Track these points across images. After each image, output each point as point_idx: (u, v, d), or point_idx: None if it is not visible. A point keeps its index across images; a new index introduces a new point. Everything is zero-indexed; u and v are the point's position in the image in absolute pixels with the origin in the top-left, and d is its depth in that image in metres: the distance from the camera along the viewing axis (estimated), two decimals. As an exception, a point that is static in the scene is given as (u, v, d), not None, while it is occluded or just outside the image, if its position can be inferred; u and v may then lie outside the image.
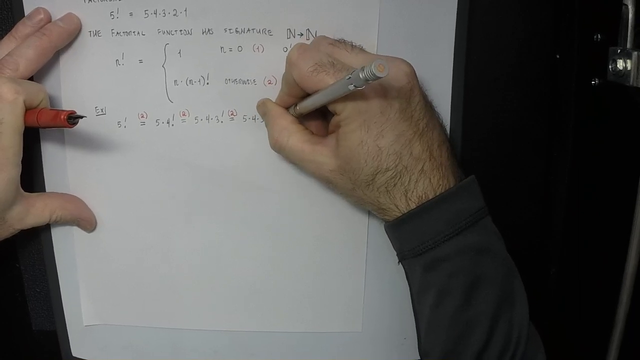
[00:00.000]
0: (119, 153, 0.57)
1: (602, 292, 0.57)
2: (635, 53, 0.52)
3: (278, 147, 0.55)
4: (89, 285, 0.61)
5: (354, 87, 0.45)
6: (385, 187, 0.51)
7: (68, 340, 0.63)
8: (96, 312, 0.61)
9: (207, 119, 0.57)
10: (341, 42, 0.53)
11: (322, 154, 0.53)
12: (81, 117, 0.49)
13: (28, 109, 0.51)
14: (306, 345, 0.62)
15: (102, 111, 0.56)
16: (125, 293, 0.61)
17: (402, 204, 0.52)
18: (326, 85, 0.49)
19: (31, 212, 0.55)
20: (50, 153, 0.57)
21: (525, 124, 0.61)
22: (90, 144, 0.57)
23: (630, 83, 0.53)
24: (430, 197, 0.51)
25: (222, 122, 0.57)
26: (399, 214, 0.52)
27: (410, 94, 0.51)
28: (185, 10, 0.55)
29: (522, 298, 0.52)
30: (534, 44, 0.60)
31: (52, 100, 0.55)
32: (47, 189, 0.58)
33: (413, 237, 0.52)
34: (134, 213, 0.59)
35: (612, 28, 0.55)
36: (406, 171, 0.51)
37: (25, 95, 0.50)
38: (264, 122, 0.57)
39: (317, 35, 0.55)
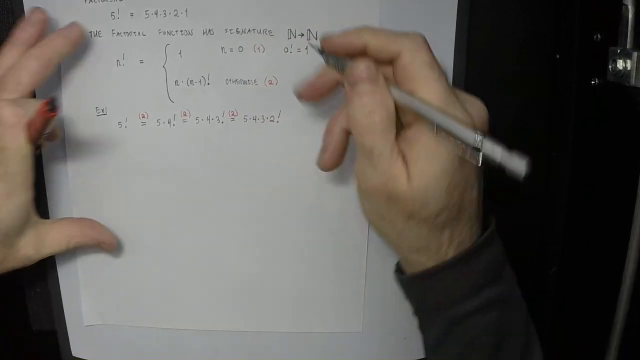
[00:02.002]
0: (119, 153, 0.57)
1: (602, 292, 0.57)
2: (635, 53, 0.52)
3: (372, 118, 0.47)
4: (89, 285, 0.60)
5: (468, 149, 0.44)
6: (440, 226, 0.47)
7: (68, 340, 0.62)
8: (97, 312, 0.61)
9: (208, 119, 0.57)
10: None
11: (398, 172, 0.46)
12: (53, 100, 0.46)
13: None
14: (306, 346, 0.62)
15: (102, 111, 0.56)
16: (126, 293, 0.61)
17: (444, 246, 0.48)
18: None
19: (46, 240, 0.54)
20: (50, 153, 0.57)
21: (525, 124, 0.61)
22: (91, 144, 0.57)
23: (630, 83, 0.53)
24: (466, 245, 0.48)
25: (222, 122, 0.57)
26: (436, 258, 0.48)
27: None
28: (186, 10, 0.55)
29: (536, 340, 0.52)
30: (534, 44, 0.60)
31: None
32: (47, 189, 0.58)
33: (441, 289, 0.49)
34: (134, 213, 0.59)
35: (612, 28, 0.55)
36: (461, 214, 0.47)
37: (28, 117, 0.48)
38: (264, 123, 0.57)
39: (318, 35, 0.55)
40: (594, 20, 0.58)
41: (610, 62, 0.55)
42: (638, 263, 0.54)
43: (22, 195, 0.50)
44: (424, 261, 0.49)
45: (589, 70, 0.58)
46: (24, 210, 0.51)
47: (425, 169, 0.46)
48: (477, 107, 0.49)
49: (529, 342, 0.51)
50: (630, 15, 0.53)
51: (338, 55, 0.49)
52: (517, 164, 0.41)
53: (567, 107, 0.60)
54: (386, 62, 0.48)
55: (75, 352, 0.63)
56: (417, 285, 0.51)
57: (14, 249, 0.52)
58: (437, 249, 0.48)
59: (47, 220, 0.55)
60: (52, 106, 0.46)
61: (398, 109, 0.47)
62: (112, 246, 0.58)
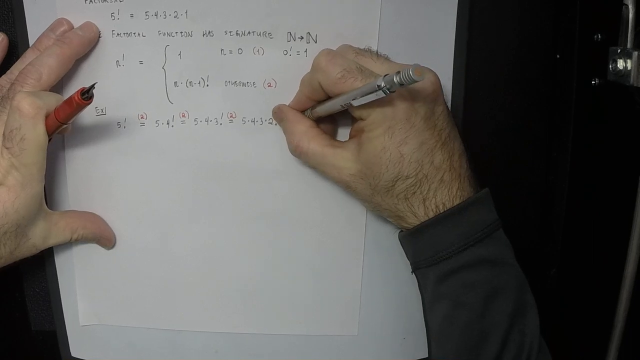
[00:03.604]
0: (118, 153, 0.57)
1: (602, 292, 0.57)
2: (636, 53, 0.53)
3: (299, 152, 0.55)
4: (86, 285, 0.61)
5: (382, 93, 0.45)
6: (405, 195, 0.51)
7: (67, 340, 0.62)
8: (93, 312, 0.61)
9: (207, 120, 0.57)
10: (367, 51, 0.53)
11: (343, 157, 0.53)
12: (92, 87, 0.48)
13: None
14: (302, 348, 0.62)
15: (102, 111, 0.56)
16: (122, 293, 0.61)
17: (419, 212, 0.52)
18: (349, 89, 0.49)
19: (53, 230, 0.55)
20: (50, 153, 0.56)
21: (525, 124, 0.61)
22: (90, 144, 0.57)
23: (631, 83, 0.53)
24: (448, 207, 0.51)
25: (221, 124, 0.57)
26: (416, 223, 0.52)
27: (435, 103, 0.51)
28: (186, 12, 0.55)
29: (533, 309, 0.52)
30: (534, 44, 0.60)
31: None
32: (46, 188, 0.57)
33: (428, 247, 0.52)
34: (132, 213, 0.59)
35: (613, 28, 0.55)
36: (426, 180, 0.51)
37: (46, 110, 0.49)
38: (263, 125, 0.57)
39: (317, 38, 0.55)
40: (594, 20, 0.58)
41: (610, 62, 0.55)
42: (638, 263, 0.54)
43: (36, 186, 0.51)
44: (408, 226, 0.53)
45: (589, 70, 0.58)
46: (38, 201, 0.52)
47: (365, 150, 0.51)
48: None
49: (521, 307, 0.52)
50: (631, 15, 0.53)
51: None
52: (415, 74, 0.42)
53: (567, 107, 0.60)
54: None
55: (74, 352, 0.63)
56: (407, 243, 0.54)
57: (25, 238, 0.53)
58: (414, 215, 0.52)
59: (54, 212, 0.56)
60: (88, 94, 0.48)
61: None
62: (109, 242, 0.59)
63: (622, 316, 0.55)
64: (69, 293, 0.61)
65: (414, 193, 0.51)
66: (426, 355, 0.60)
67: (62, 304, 0.62)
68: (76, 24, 0.55)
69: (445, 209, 0.51)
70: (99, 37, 0.55)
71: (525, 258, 0.53)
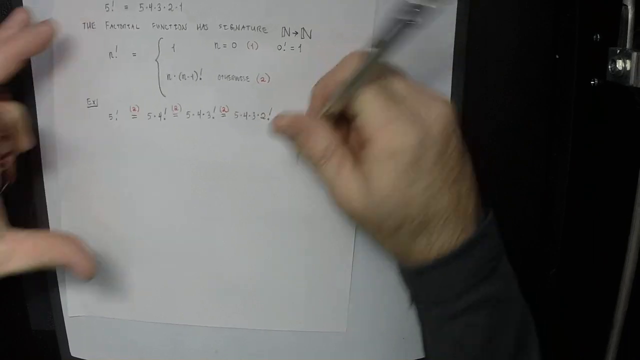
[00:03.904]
0: (109, 145, 0.57)
1: (601, 292, 0.56)
2: (635, 53, 0.52)
3: (321, 160, 0.51)
4: (83, 283, 0.60)
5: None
6: (409, 238, 0.49)
7: (67, 339, 0.62)
8: (81, 303, 0.61)
9: (199, 114, 0.57)
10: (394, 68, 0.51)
11: (353, 189, 0.49)
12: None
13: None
14: (288, 344, 0.62)
15: (93, 103, 0.56)
16: (116, 289, 0.60)
17: (423, 253, 0.49)
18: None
19: (17, 252, 0.48)
20: (40, 143, 0.57)
21: (525, 124, 0.61)
22: (81, 135, 0.57)
23: (630, 83, 0.53)
24: (452, 247, 0.49)
25: (213, 117, 0.57)
26: (418, 262, 0.50)
27: (448, 140, 0.48)
28: (181, 5, 0.55)
29: (536, 346, 0.51)
30: (534, 44, 0.60)
31: (44, 91, 0.55)
32: (40, 180, 0.58)
33: (431, 288, 0.50)
34: (122, 206, 0.58)
35: (612, 28, 0.54)
36: (431, 221, 0.48)
37: None
38: (255, 120, 0.57)
39: (312, 34, 0.55)
40: (594, 20, 0.58)
41: (609, 63, 0.54)
42: (637, 263, 0.53)
43: None
44: (410, 265, 0.51)
45: (589, 70, 0.58)
46: None
47: (372, 191, 0.48)
48: (436, 106, 0.49)
49: (526, 346, 0.51)
50: (630, 16, 0.53)
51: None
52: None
53: (567, 107, 0.60)
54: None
55: (74, 352, 0.62)
56: (407, 280, 0.53)
57: None
58: (417, 254, 0.50)
59: (19, 232, 0.49)
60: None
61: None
62: (84, 275, 0.50)
63: (622, 316, 0.54)
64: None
65: (418, 235, 0.49)
66: (420, 357, 0.59)
67: (62, 303, 0.61)
68: (73, 16, 0.54)
69: (450, 250, 0.49)
70: (84, 28, 0.55)
71: (525, 258, 0.52)
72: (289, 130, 0.53)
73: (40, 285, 0.61)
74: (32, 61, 0.55)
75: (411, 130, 0.47)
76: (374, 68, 0.48)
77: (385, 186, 0.47)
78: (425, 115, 0.48)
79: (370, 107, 0.48)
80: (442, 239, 0.49)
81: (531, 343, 0.51)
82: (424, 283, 0.50)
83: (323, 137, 0.51)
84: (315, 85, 0.53)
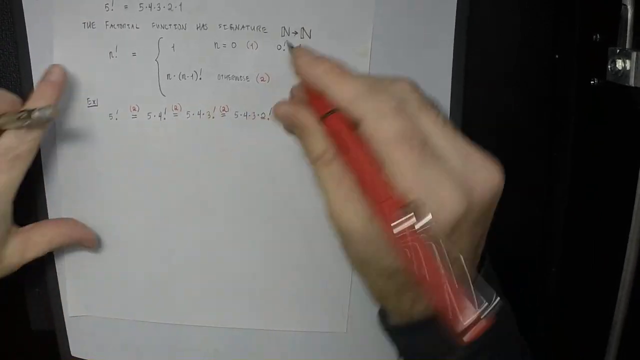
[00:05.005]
0: (109, 145, 0.57)
1: (602, 292, 0.56)
2: (635, 53, 0.52)
3: (318, 162, 0.46)
4: (76, 276, 0.60)
5: None
6: (399, 287, 0.44)
7: (67, 339, 0.62)
8: (83, 303, 0.61)
9: (199, 113, 0.57)
10: (432, 107, 0.43)
11: (353, 209, 0.43)
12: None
13: None
14: (288, 344, 0.62)
15: (93, 103, 0.56)
16: (116, 287, 0.60)
17: (407, 308, 0.45)
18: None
19: (29, 245, 0.54)
20: (41, 143, 0.56)
21: (525, 124, 0.61)
22: (81, 135, 0.57)
23: (630, 83, 0.53)
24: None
25: (213, 117, 0.57)
26: (406, 318, 0.45)
27: (491, 208, 0.43)
28: (180, 4, 0.55)
29: None
30: (534, 44, 0.60)
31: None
32: (39, 178, 0.58)
33: (418, 346, 0.46)
34: (122, 204, 0.58)
35: (612, 28, 0.54)
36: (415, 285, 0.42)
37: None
38: (255, 120, 0.57)
39: (312, 33, 0.55)
40: (594, 20, 0.58)
41: (609, 62, 0.54)
42: (637, 263, 0.53)
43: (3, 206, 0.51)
44: (395, 317, 0.47)
45: (589, 70, 0.58)
46: (5, 227, 0.52)
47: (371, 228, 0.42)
48: (483, 174, 0.42)
49: None
50: (630, 16, 0.53)
51: None
52: None
53: (567, 107, 0.60)
54: None
55: (74, 352, 0.62)
56: (394, 336, 0.48)
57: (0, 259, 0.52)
58: (403, 309, 0.45)
59: (25, 227, 0.55)
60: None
61: None
62: (91, 243, 0.58)
63: (622, 316, 0.53)
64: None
65: (409, 291, 0.43)
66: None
67: (62, 303, 0.61)
68: (73, 16, 0.54)
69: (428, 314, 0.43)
70: (84, 27, 0.55)
71: (525, 258, 0.52)
72: (290, 122, 0.49)
73: (40, 285, 0.62)
74: (32, 61, 0.55)
75: (457, 196, 0.40)
76: None
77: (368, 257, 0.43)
78: (472, 180, 0.42)
79: (400, 160, 0.41)
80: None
81: None
82: (407, 342, 0.47)
83: (324, 139, 0.45)
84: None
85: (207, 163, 0.58)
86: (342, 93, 0.44)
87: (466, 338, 0.39)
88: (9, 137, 0.50)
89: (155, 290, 0.60)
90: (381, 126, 0.41)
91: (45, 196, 0.58)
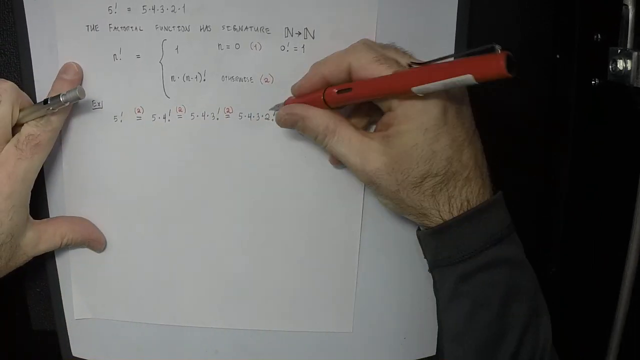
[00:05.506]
0: (114, 147, 0.57)
1: (602, 292, 0.57)
2: (635, 53, 0.53)
3: (324, 137, 0.52)
4: (82, 279, 0.60)
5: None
6: (432, 192, 0.50)
7: (68, 339, 0.62)
8: (88, 306, 0.61)
9: (203, 115, 0.57)
10: (391, 46, 0.53)
11: (371, 148, 0.51)
12: None
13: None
14: (295, 345, 0.62)
15: (98, 105, 0.56)
16: (120, 288, 0.60)
17: (444, 210, 0.51)
18: (380, 74, 0.49)
19: (43, 238, 0.56)
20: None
21: (525, 124, 0.61)
22: (86, 137, 0.57)
23: (630, 83, 0.53)
24: (472, 205, 0.50)
25: (217, 119, 0.57)
26: (440, 221, 0.51)
27: (463, 99, 0.51)
28: (184, 6, 0.55)
29: (546, 312, 0.52)
30: (534, 44, 0.60)
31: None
32: (44, 181, 0.58)
33: (451, 246, 0.51)
34: (127, 206, 0.59)
35: (612, 28, 0.55)
36: (453, 177, 0.50)
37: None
38: (259, 121, 0.57)
39: (315, 34, 0.55)
40: (594, 20, 0.58)
41: (610, 62, 0.55)
42: (638, 263, 0.54)
43: (23, 197, 0.54)
44: (431, 224, 0.52)
45: (589, 70, 0.58)
46: (25, 215, 0.54)
47: (396, 144, 0.50)
48: None
49: (538, 310, 0.52)
50: (631, 16, 0.54)
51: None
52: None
53: (567, 107, 0.60)
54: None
55: (75, 352, 0.62)
56: (428, 242, 0.53)
57: (18, 247, 0.54)
58: (439, 212, 0.51)
59: (41, 221, 0.57)
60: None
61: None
62: (100, 245, 0.59)
63: (622, 316, 0.54)
64: (70, 292, 0.61)
65: (441, 190, 0.50)
66: (425, 356, 0.59)
67: (63, 303, 0.61)
68: (76, 19, 0.55)
69: (470, 208, 0.50)
70: (88, 30, 0.55)
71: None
72: (290, 120, 0.54)
73: (42, 285, 0.62)
74: (33, 61, 0.55)
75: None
76: None
77: (409, 140, 0.49)
78: None
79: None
80: (463, 196, 0.50)
81: (542, 310, 0.52)
82: (445, 241, 0.51)
83: (320, 118, 0.52)
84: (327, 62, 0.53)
85: (211, 164, 0.58)
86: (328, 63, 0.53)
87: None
88: (30, 126, 0.53)
89: (158, 292, 0.60)
90: (366, 56, 0.50)
91: (47, 198, 0.58)
